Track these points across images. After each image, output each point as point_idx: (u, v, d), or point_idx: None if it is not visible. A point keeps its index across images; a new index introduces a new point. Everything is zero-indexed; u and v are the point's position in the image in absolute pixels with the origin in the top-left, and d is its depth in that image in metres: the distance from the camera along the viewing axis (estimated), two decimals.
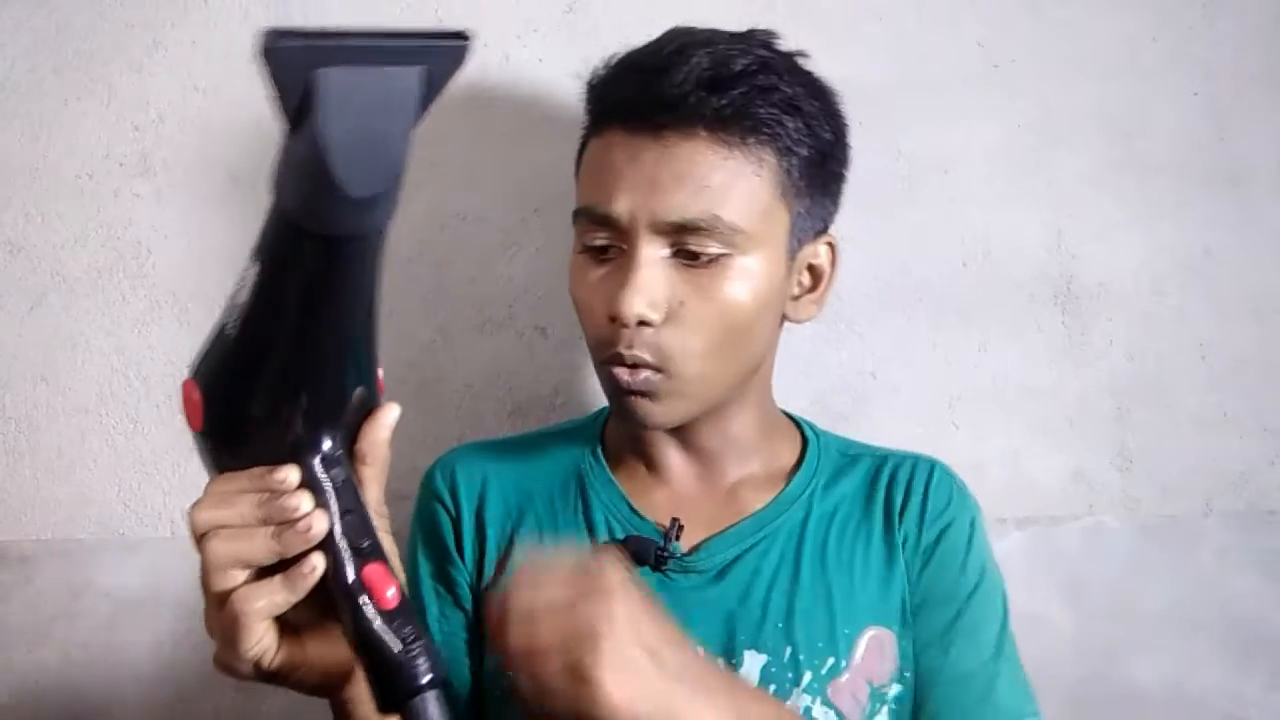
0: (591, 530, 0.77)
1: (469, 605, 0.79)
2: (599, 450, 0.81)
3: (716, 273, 0.69)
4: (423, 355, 0.98)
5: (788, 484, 0.79)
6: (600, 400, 0.81)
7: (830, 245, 0.77)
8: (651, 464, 0.79)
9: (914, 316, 0.98)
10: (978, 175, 0.98)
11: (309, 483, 0.52)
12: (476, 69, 0.98)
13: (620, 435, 0.81)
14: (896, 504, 0.77)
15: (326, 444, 0.53)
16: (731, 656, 0.72)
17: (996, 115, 0.98)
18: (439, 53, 0.45)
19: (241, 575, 0.52)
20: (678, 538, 0.75)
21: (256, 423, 0.52)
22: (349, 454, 0.55)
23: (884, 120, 0.96)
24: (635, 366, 0.70)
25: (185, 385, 0.53)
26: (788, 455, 0.81)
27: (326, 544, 0.52)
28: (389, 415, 0.56)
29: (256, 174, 0.98)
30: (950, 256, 0.98)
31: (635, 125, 0.69)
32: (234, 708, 0.97)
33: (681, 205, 0.68)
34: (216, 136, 0.98)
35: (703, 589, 0.74)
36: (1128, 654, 0.96)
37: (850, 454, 0.82)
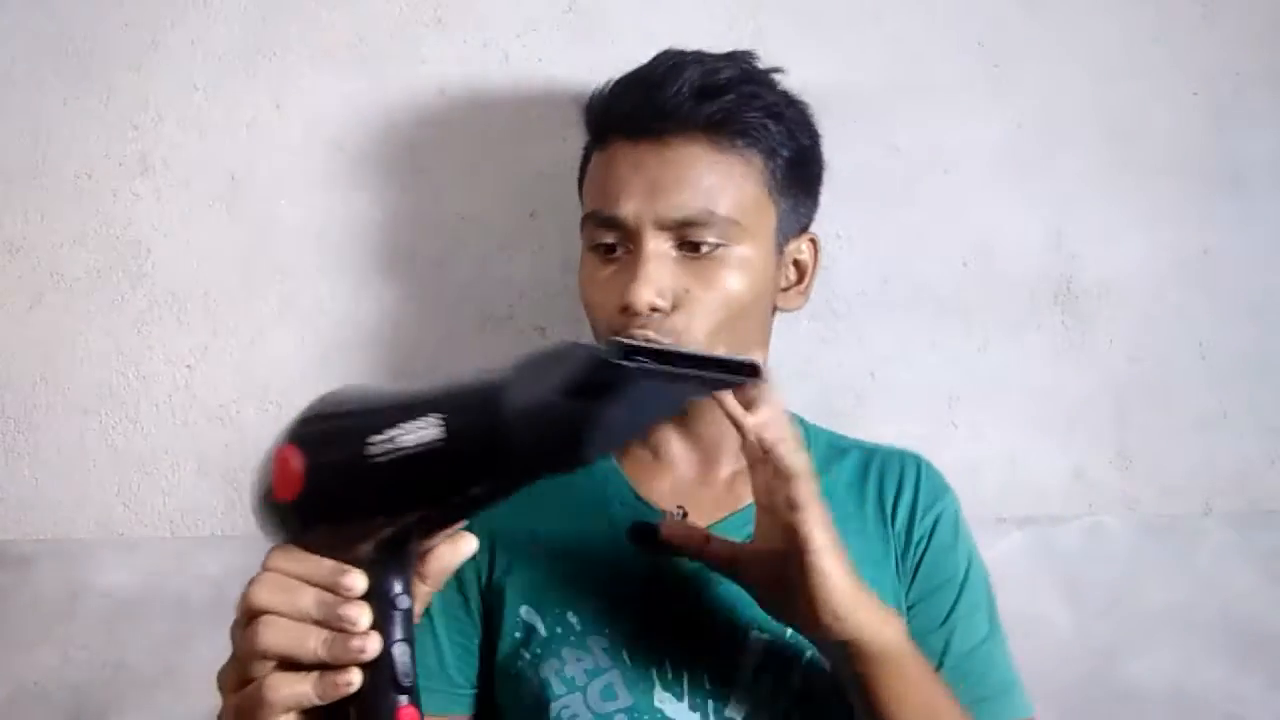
0: (609, 519, 0.79)
1: (478, 615, 0.79)
2: None
3: (716, 263, 0.75)
4: (423, 355, 0.98)
5: None
6: None
7: (812, 242, 0.84)
8: (657, 452, 0.83)
9: (914, 316, 0.98)
10: (978, 175, 0.98)
11: (374, 596, 0.49)
12: (476, 69, 0.98)
13: None
14: (889, 498, 0.82)
15: (405, 567, 0.51)
16: (738, 636, 0.75)
17: (996, 115, 0.98)
18: (727, 384, 0.48)
19: (273, 663, 0.50)
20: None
21: (352, 518, 0.50)
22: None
23: (884, 120, 0.96)
24: None
25: (283, 450, 0.50)
26: None
27: (371, 664, 0.49)
28: (467, 547, 0.54)
29: (256, 174, 0.98)
30: (950, 256, 0.98)
31: (636, 134, 0.76)
32: None
33: (681, 203, 0.74)
34: (216, 136, 0.98)
35: (707, 571, 0.75)
36: (1128, 654, 0.96)
37: (839, 446, 0.86)
